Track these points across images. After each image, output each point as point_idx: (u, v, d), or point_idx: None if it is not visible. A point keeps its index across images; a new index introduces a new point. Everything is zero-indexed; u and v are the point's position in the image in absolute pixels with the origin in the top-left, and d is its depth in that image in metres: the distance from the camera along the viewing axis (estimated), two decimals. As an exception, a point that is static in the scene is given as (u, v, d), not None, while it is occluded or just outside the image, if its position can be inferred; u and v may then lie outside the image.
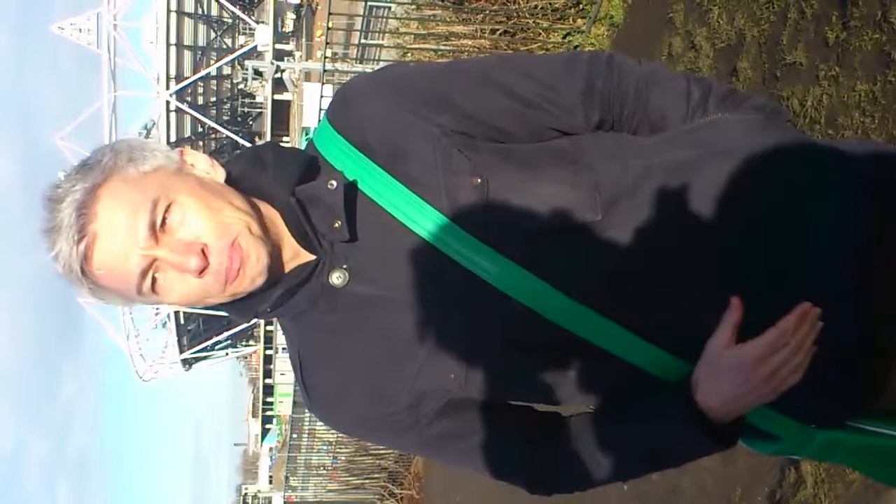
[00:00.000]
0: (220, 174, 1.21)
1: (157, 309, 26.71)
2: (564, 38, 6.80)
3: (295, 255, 1.20)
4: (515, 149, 1.21)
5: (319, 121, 1.29)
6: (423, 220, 1.14)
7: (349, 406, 1.25)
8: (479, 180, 1.15)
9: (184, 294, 1.15)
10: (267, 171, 1.21)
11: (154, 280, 1.13)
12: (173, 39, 24.48)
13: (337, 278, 1.18)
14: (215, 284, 1.14)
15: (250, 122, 36.85)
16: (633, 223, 1.15)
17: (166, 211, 1.12)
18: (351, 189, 1.16)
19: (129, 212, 1.10)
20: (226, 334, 31.72)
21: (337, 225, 1.15)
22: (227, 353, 34.60)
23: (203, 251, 1.12)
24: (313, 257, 1.19)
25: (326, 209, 1.15)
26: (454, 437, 1.26)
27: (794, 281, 1.16)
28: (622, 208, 1.16)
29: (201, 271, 1.12)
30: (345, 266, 1.18)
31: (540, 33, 6.98)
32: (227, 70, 30.24)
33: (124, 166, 1.14)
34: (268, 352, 34.40)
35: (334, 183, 1.15)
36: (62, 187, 1.12)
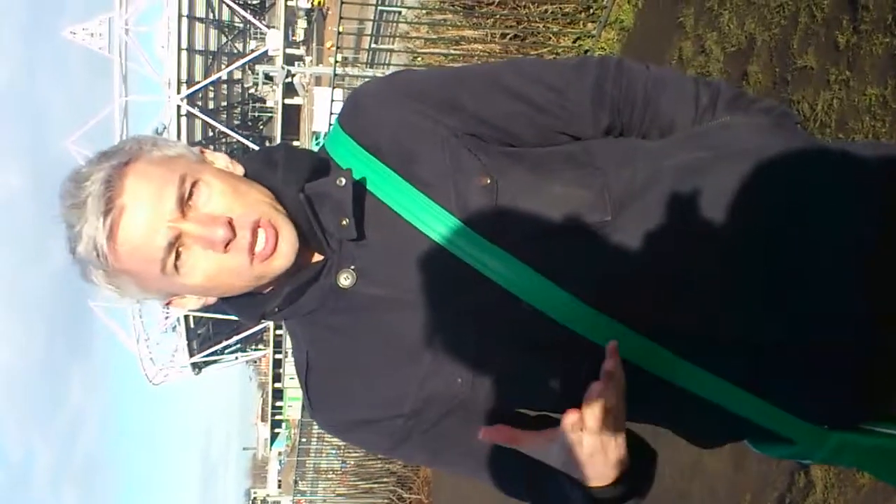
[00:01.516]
0: (238, 170, 1.23)
1: (167, 313, 26.83)
2: (575, 42, 6.80)
3: (305, 255, 1.20)
4: (526, 152, 1.22)
5: (330, 125, 1.30)
6: (433, 221, 1.14)
7: (352, 408, 1.25)
8: (489, 181, 1.15)
9: (209, 273, 1.14)
10: (277, 170, 1.21)
11: (178, 255, 1.12)
12: (184, 44, 24.60)
13: (345, 279, 1.18)
14: (242, 262, 1.13)
15: (261, 127, 36.93)
16: (642, 225, 1.15)
17: (193, 186, 1.13)
18: (359, 188, 1.17)
19: (157, 186, 1.11)
20: (235, 338, 31.80)
21: (344, 223, 1.15)
22: (236, 357, 34.66)
23: (230, 224, 1.12)
24: (322, 258, 1.20)
25: (334, 207, 1.15)
26: (458, 443, 1.25)
27: (804, 283, 1.15)
28: (632, 210, 1.15)
29: (227, 245, 1.11)
30: (352, 267, 1.18)
31: (550, 38, 6.98)
32: (237, 74, 30.35)
33: (149, 150, 1.16)
34: (277, 356, 34.40)
35: (343, 180, 1.15)
36: (86, 168, 1.12)
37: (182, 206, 1.11)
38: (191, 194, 1.12)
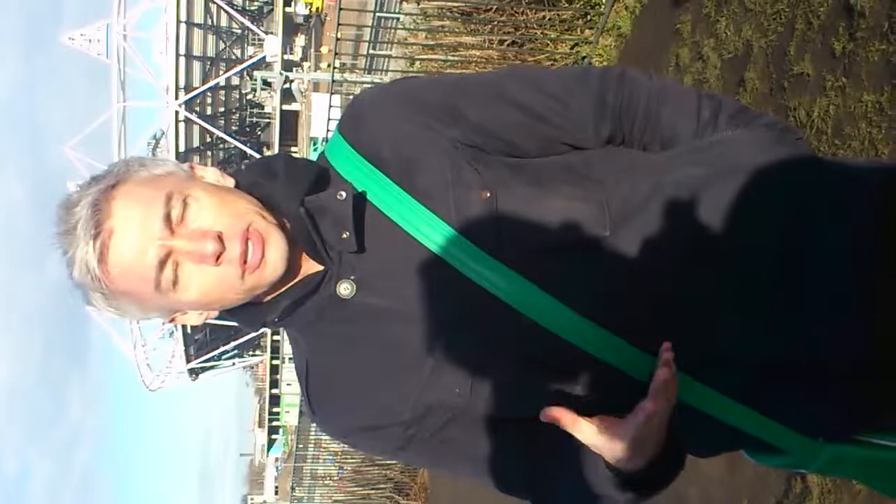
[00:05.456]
0: (229, 183, 1.23)
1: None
2: (572, 48, 6.81)
3: (305, 265, 1.21)
4: (526, 163, 1.22)
5: (328, 131, 1.31)
6: (433, 233, 1.14)
7: (352, 416, 1.25)
8: (489, 194, 1.15)
9: (203, 287, 1.14)
10: (277, 182, 1.21)
11: (174, 272, 1.12)
12: (183, 50, 24.65)
13: (344, 289, 1.18)
14: (234, 274, 1.13)
15: (258, 133, 37.00)
16: (641, 240, 1.15)
17: (182, 203, 1.13)
18: (360, 200, 1.17)
19: (143, 206, 1.11)
20: (232, 344, 31.80)
21: (345, 236, 1.15)
22: (233, 363, 34.66)
23: (219, 237, 1.12)
24: (322, 268, 1.20)
25: (335, 219, 1.15)
26: (459, 449, 1.25)
27: (801, 298, 1.15)
28: (631, 225, 1.16)
29: (218, 257, 1.12)
30: (352, 277, 1.18)
31: (548, 44, 6.99)
32: (235, 80, 30.39)
33: (137, 170, 1.16)
34: (274, 362, 34.38)
35: (343, 194, 1.15)
36: (76, 194, 1.13)
37: (169, 223, 1.12)
38: (181, 211, 1.13)
